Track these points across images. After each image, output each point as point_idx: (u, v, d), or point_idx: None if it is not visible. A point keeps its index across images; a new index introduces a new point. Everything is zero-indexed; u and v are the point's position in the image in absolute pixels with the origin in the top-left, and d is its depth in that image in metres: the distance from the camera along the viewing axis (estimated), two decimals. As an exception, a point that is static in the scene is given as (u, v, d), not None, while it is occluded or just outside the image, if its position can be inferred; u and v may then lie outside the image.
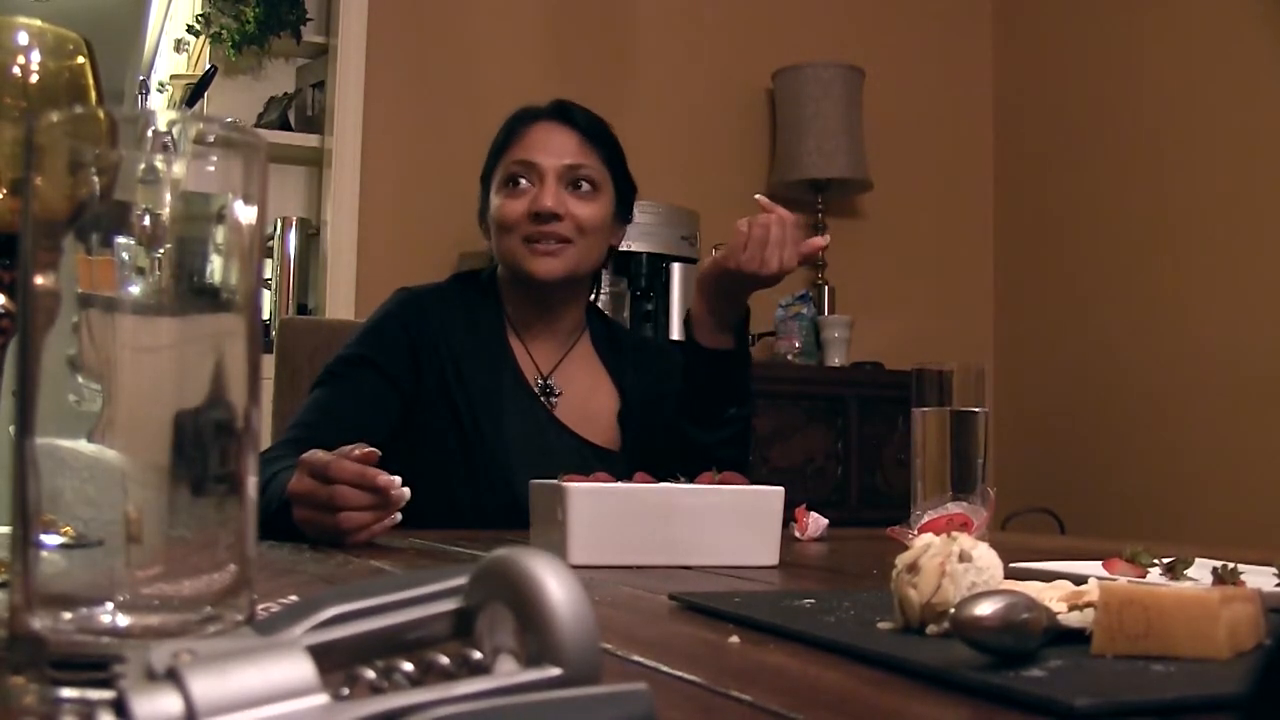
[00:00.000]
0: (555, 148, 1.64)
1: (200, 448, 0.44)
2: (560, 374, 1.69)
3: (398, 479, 1.18)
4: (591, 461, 1.54)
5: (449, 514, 1.56)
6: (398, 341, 1.60)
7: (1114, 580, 0.71)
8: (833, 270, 3.52)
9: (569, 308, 1.71)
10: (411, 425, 1.59)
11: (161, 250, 0.45)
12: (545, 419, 1.65)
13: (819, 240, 1.66)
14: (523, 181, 1.63)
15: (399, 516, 1.21)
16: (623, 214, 1.73)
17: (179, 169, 0.46)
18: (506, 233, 1.63)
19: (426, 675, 0.39)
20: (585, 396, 1.69)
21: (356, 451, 1.19)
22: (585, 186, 1.65)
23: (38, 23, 0.68)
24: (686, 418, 1.64)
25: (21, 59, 0.68)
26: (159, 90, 4.01)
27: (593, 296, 1.81)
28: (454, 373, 1.60)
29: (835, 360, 3.35)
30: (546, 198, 1.61)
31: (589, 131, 1.67)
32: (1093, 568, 0.85)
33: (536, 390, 1.67)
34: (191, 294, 0.46)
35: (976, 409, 1.25)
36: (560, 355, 1.70)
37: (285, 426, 1.58)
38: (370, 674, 0.39)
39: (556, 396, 1.67)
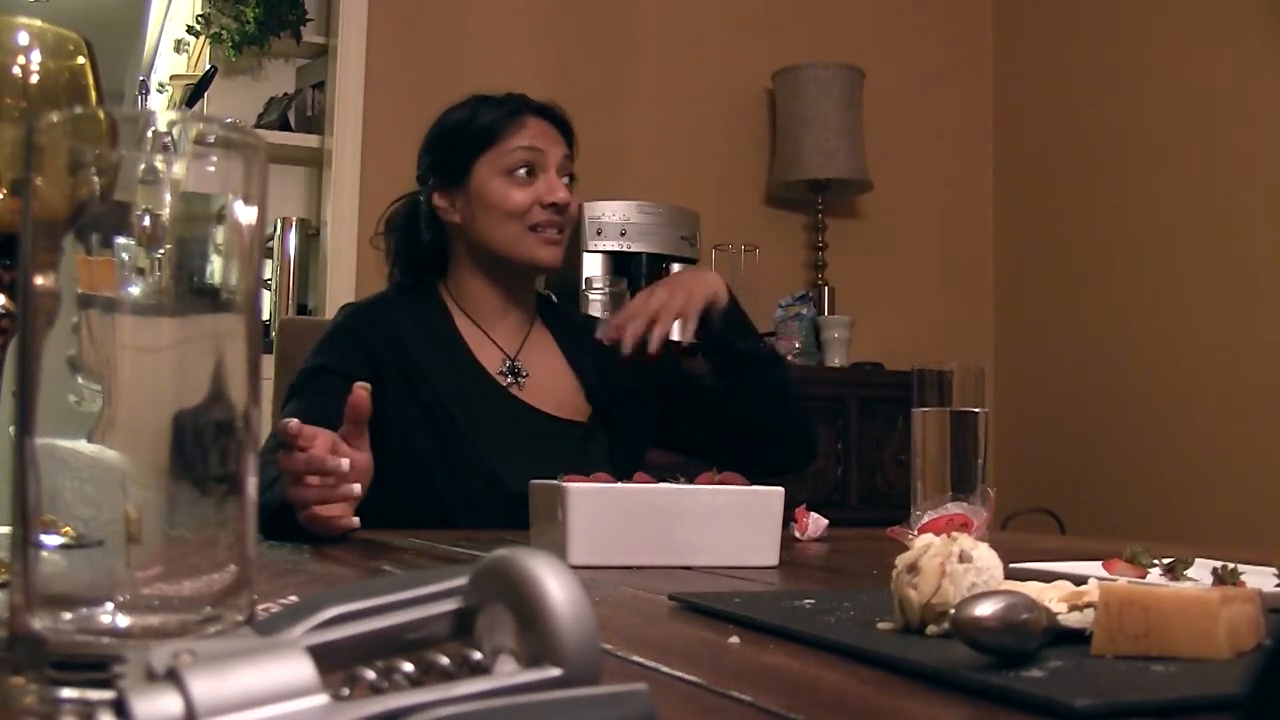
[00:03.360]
0: (554, 140, 1.70)
1: (200, 448, 0.44)
2: (525, 354, 1.72)
3: (345, 461, 1.20)
4: (562, 436, 1.61)
5: (435, 506, 1.57)
6: (354, 349, 1.62)
7: (1114, 580, 0.71)
8: (833, 270, 3.52)
9: (530, 291, 1.77)
10: (382, 427, 1.59)
11: (161, 251, 0.45)
12: (507, 400, 1.67)
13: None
14: (528, 170, 1.67)
15: (357, 521, 1.24)
16: None
17: (179, 169, 0.46)
18: (511, 220, 1.66)
19: (426, 675, 0.39)
20: (548, 375, 1.73)
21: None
22: (570, 178, 1.72)
23: (38, 23, 0.68)
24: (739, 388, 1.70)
25: (21, 59, 0.68)
26: (159, 90, 4.01)
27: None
28: (413, 369, 1.63)
29: (835, 360, 3.35)
30: (560, 189, 1.67)
31: (566, 127, 1.74)
32: (1093, 568, 0.85)
33: (499, 373, 1.69)
34: (191, 294, 0.46)
35: (976, 409, 1.25)
36: (521, 339, 1.74)
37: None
38: (370, 674, 0.39)
39: (524, 378, 1.70)
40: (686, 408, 1.78)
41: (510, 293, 1.72)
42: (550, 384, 1.71)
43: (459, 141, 1.71)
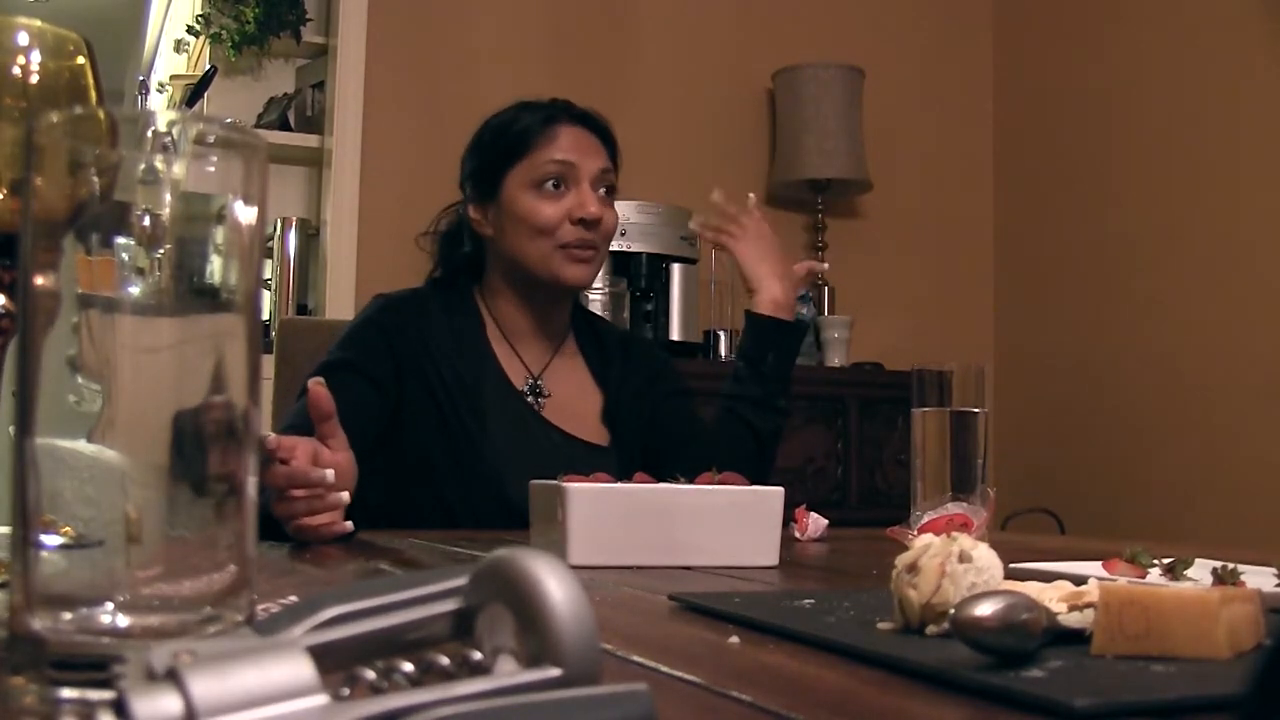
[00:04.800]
0: (590, 152, 1.64)
1: (200, 448, 0.44)
2: (549, 376, 1.69)
3: (329, 472, 1.20)
4: (580, 458, 1.55)
5: (441, 515, 1.56)
6: (379, 346, 1.59)
7: (1114, 580, 0.71)
8: (833, 270, 3.52)
9: (561, 310, 1.72)
10: (398, 428, 1.59)
11: (161, 250, 0.45)
12: (531, 419, 1.65)
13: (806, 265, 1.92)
14: (559, 184, 1.61)
15: (350, 525, 1.23)
16: None
17: (179, 169, 0.46)
18: (541, 236, 1.61)
19: (426, 675, 0.39)
20: (572, 396, 1.70)
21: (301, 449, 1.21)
22: (608, 192, 1.66)
23: (38, 23, 0.68)
24: (740, 397, 1.72)
25: (21, 59, 0.68)
26: (159, 90, 4.01)
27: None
28: (436, 375, 1.60)
29: (835, 360, 3.35)
30: (592, 204, 1.61)
31: (607, 139, 1.68)
32: (1093, 568, 0.85)
33: (524, 391, 1.66)
34: (191, 294, 0.46)
35: (976, 409, 1.25)
36: (549, 357, 1.70)
37: (282, 428, 1.57)
38: (370, 674, 0.39)
39: (545, 398, 1.67)
40: (672, 415, 1.76)
41: (540, 314, 1.68)
42: (573, 405, 1.69)
43: (492, 152, 1.66)
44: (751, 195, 1.81)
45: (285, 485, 1.18)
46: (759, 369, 1.72)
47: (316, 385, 1.24)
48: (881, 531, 1.27)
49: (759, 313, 1.74)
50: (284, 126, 3.29)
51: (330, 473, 1.19)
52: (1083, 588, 0.60)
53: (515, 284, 1.67)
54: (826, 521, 1.44)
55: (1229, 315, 3.06)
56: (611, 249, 3.02)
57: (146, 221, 0.45)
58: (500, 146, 1.65)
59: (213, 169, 0.47)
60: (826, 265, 1.90)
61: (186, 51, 3.75)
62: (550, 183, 1.61)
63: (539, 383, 1.68)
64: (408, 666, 0.39)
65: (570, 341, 1.74)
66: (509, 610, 0.40)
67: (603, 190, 1.65)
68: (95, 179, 0.45)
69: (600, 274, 2.98)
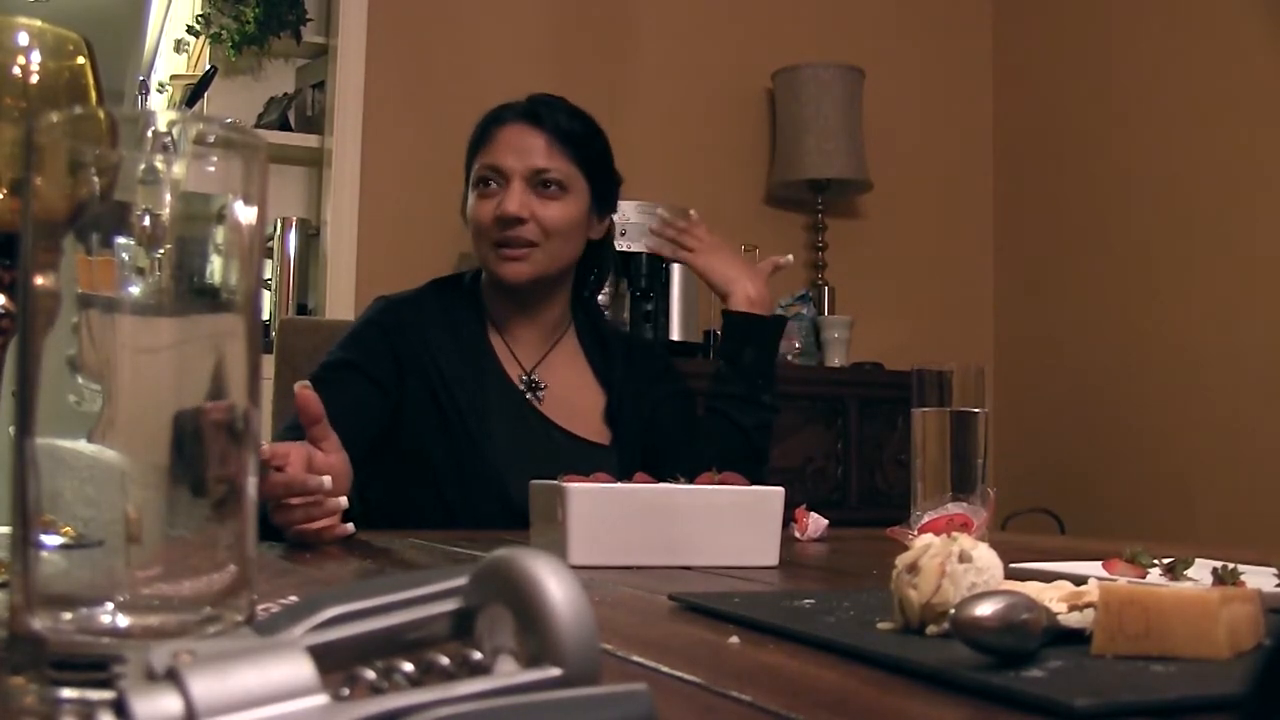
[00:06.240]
0: (522, 150, 1.64)
1: (200, 448, 0.44)
2: (544, 370, 1.70)
3: (327, 479, 1.20)
4: (580, 456, 1.55)
5: (442, 514, 1.56)
6: (380, 347, 1.60)
7: (1114, 580, 0.71)
8: (833, 270, 3.52)
9: (548, 305, 1.71)
10: (399, 428, 1.59)
11: (161, 250, 0.45)
12: (531, 415, 1.65)
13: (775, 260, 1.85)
14: (491, 184, 1.64)
15: (351, 527, 1.23)
16: (601, 207, 1.72)
17: (179, 169, 0.46)
18: (479, 235, 1.65)
19: (426, 675, 0.39)
20: (571, 392, 1.70)
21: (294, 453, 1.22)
22: (552, 188, 1.64)
23: (38, 23, 0.68)
24: (724, 395, 1.72)
25: (21, 59, 0.68)
26: (159, 90, 4.01)
27: (602, 289, 1.85)
28: (437, 375, 1.60)
29: (835, 360, 3.35)
30: (510, 202, 1.61)
31: (557, 133, 1.65)
32: (1093, 568, 0.85)
33: (521, 387, 1.67)
34: (191, 294, 0.46)
35: (976, 409, 1.25)
36: (543, 352, 1.71)
37: (283, 429, 1.57)
38: (370, 674, 0.39)
39: (542, 391, 1.68)
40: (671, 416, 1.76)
41: (524, 307, 1.69)
42: (573, 402, 1.69)
43: (466, 156, 1.71)
44: (693, 211, 1.83)
45: (283, 494, 1.18)
46: (738, 365, 1.72)
47: (303, 389, 1.24)
48: (881, 531, 1.27)
49: (734, 310, 1.74)
50: (284, 126, 3.29)
51: (327, 479, 1.19)
52: (1083, 588, 0.60)
53: (489, 279, 1.70)
54: (826, 521, 1.44)
55: (1229, 315, 3.06)
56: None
57: (146, 221, 0.45)
58: (467, 147, 1.70)
59: (213, 169, 0.47)
60: (790, 257, 1.87)
61: (186, 51, 3.75)
62: (483, 183, 1.65)
63: (533, 377, 1.68)
64: (408, 666, 0.39)
65: (570, 337, 1.75)
66: (509, 610, 0.40)
67: (551, 187, 1.63)
68: (95, 179, 0.45)
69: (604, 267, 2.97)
